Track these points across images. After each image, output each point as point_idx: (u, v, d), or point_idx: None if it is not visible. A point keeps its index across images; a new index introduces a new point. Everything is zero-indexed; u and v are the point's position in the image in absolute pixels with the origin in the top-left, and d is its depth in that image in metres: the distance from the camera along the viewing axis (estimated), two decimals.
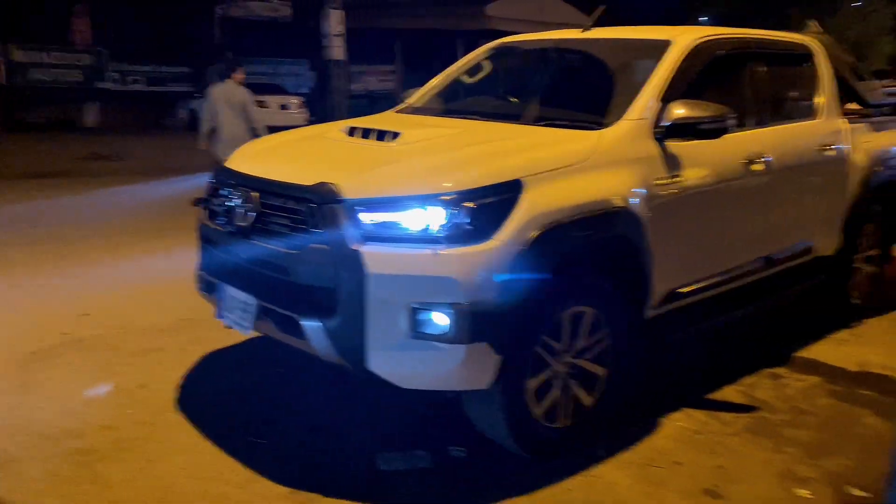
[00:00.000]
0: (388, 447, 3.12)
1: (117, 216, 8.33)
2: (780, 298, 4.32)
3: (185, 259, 6.09)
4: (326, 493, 2.77)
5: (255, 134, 7.87)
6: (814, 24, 5.44)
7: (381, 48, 25.95)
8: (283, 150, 3.50)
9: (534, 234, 2.70)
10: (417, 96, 4.39)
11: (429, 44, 24.53)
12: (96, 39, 22.52)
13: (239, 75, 8.21)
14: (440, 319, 2.61)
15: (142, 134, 19.63)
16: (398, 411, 3.47)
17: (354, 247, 2.64)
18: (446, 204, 2.64)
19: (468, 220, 2.64)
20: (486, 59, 4.45)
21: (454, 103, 4.20)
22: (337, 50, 19.71)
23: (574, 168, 2.95)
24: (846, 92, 4.70)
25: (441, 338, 2.62)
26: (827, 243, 4.55)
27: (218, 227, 3.19)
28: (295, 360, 3.94)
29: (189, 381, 3.78)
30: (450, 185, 2.68)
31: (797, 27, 5.05)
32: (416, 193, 2.67)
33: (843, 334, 4.64)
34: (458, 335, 2.60)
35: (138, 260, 6.25)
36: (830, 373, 4.07)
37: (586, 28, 4.15)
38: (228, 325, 3.08)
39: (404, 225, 2.66)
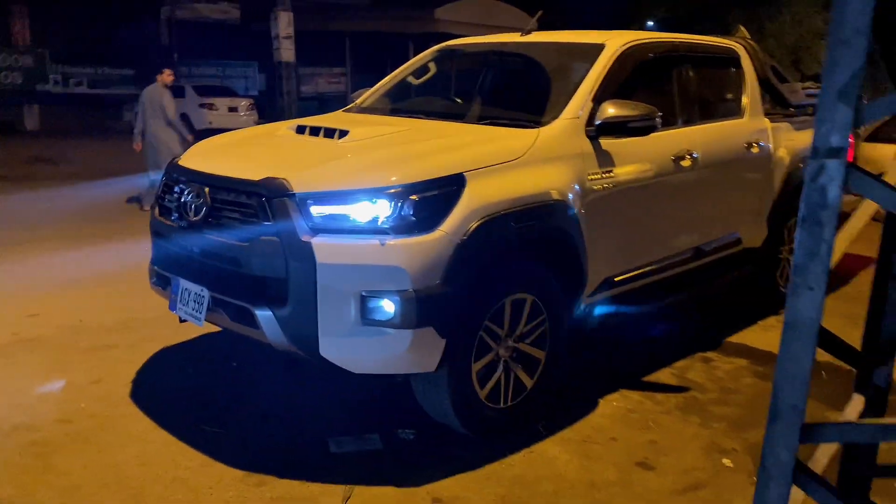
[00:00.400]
0: (339, 432, 3.25)
1: (62, 219, 8.23)
2: (710, 287, 4.59)
3: (131, 259, 6.15)
4: (280, 475, 2.89)
5: (179, 134, 8.37)
6: (742, 30, 5.77)
7: (331, 50, 25.94)
8: (233, 147, 3.60)
9: (475, 224, 2.88)
10: (365, 97, 4.53)
11: (379, 46, 24.63)
12: (38, 40, 21.96)
13: (165, 77, 8.48)
14: (388, 306, 2.76)
15: (85, 137, 19.19)
16: (349, 398, 3.61)
17: (305, 238, 2.77)
18: (392, 197, 2.79)
19: (413, 212, 2.80)
20: (432, 61, 4.62)
21: (401, 103, 4.35)
22: (286, 52, 19.67)
23: (513, 163, 3.14)
24: (770, 93, 5.01)
25: (389, 323, 2.77)
26: (754, 235, 4.84)
27: (170, 223, 3.28)
28: (247, 354, 4.07)
29: (142, 376, 3.85)
30: (396, 178, 2.83)
31: (732, 30, 5.36)
32: (363, 187, 2.82)
33: (770, 321, 4.95)
34: (405, 321, 2.76)
35: (84, 261, 6.24)
36: (757, 356, 4.35)
37: (526, 32, 4.35)
38: (182, 317, 3.17)
39: (353, 217, 2.81)
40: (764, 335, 4.68)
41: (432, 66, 4.62)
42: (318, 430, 3.27)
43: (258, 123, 20.16)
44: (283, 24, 19.29)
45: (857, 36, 1.24)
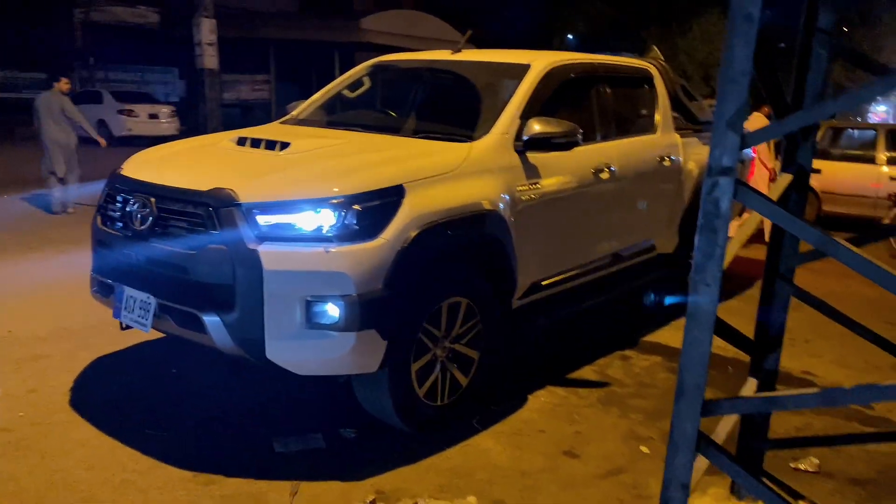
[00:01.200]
0: (283, 432, 3.38)
1: None
2: (628, 290, 4.93)
3: (59, 269, 6.10)
4: (228, 474, 3.00)
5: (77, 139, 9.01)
6: (655, 50, 6.20)
7: (254, 57, 25.62)
8: (177, 158, 3.69)
9: (414, 233, 3.08)
10: (301, 109, 4.67)
11: (304, 54, 24.54)
12: None
13: (62, 85, 9.09)
14: (332, 310, 2.93)
15: None
16: (291, 400, 3.74)
17: (251, 246, 2.91)
18: (336, 206, 2.97)
19: (356, 221, 2.98)
20: (366, 75, 4.81)
21: (336, 116, 4.52)
22: (209, 59, 19.34)
23: (448, 175, 3.36)
24: (680, 110, 5.42)
25: (333, 326, 2.94)
26: (667, 242, 5.23)
27: (114, 232, 3.34)
28: (187, 360, 4.14)
29: (80, 384, 3.87)
30: (339, 189, 3.01)
31: (646, 49, 5.74)
32: (308, 197, 2.98)
33: (683, 321, 5.29)
34: (349, 324, 2.93)
35: (9, 271, 6.10)
36: (670, 353, 4.71)
37: (456, 50, 4.60)
38: (128, 324, 3.24)
39: (298, 226, 2.96)
40: (677, 334, 5.04)
41: (366, 80, 4.80)
42: (262, 432, 3.39)
43: (180, 131, 19.79)
44: (206, 30, 18.96)
45: (742, 77, 1.51)
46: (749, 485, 1.69)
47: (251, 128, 4.16)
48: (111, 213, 3.39)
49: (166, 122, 19.38)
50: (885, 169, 9.12)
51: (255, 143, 3.59)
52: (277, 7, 26.90)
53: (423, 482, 3.03)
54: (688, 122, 5.45)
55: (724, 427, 1.97)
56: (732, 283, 6.02)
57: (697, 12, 29.93)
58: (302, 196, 2.98)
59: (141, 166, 3.50)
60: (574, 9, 30.72)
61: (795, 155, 2.06)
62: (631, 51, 5.69)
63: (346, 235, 2.96)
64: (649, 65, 5.23)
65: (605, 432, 3.59)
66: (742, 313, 4.20)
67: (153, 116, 19.12)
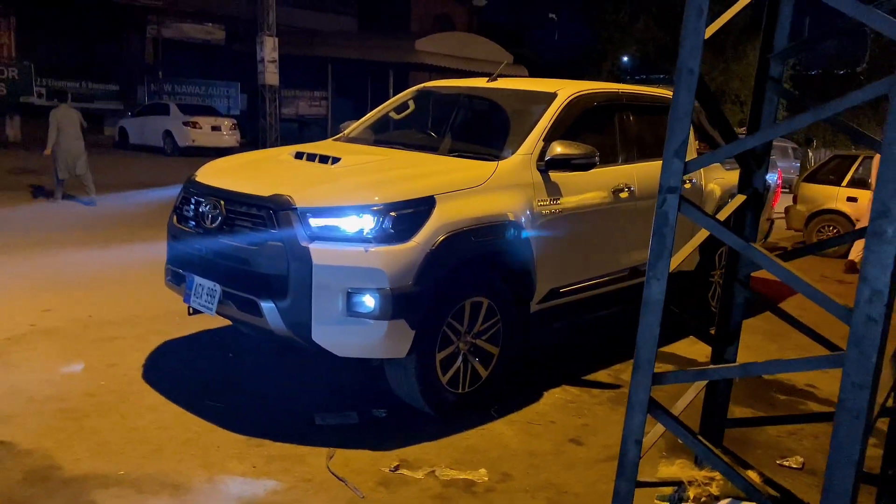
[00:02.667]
0: (323, 409, 3.88)
1: (58, 227, 8.75)
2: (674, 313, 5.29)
3: (129, 264, 6.75)
4: (274, 440, 3.50)
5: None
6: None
7: (313, 74, 26.64)
8: (242, 168, 4.25)
9: (441, 237, 3.55)
10: (352, 128, 5.21)
11: (361, 72, 25.43)
12: (24, 53, 22.35)
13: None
14: (369, 301, 3.42)
15: None
16: (331, 382, 4.24)
17: (304, 244, 3.42)
18: (375, 213, 3.46)
19: (391, 226, 3.47)
20: (411, 99, 5.33)
21: (382, 135, 5.04)
22: (271, 75, 20.33)
23: (475, 189, 3.83)
24: (703, 137, 5.79)
25: (369, 315, 3.42)
26: (687, 260, 5.57)
27: (187, 229, 3.91)
28: (242, 345, 4.69)
29: (150, 361, 4.44)
30: (378, 198, 3.51)
31: (705, 75, 6.13)
32: (353, 204, 3.48)
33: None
34: (382, 313, 3.41)
35: (86, 265, 6.79)
36: (683, 363, 5.06)
37: (492, 79, 5.08)
38: (196, 308, 3.79)
39: (343, 228, 3.47)
40: (691, 347, 5.39)
41: (411, 103, 5.32)
42: (304, 407, 3.89)
43: (240, 143, 20.76)
44: (269, 48, 19.98)
45: (685, 116, 1.95)
46: (685, 437, 2.10)
47: (308, 144, 4.71)
48: (185, 213, 3.96)
49: (227, 134, 20.36)
50: None
51: (311, 157, 4.13)
52: (338, 26, 27.95)
53: (442, 455, 3.47)
54: (712, 149, 5.80)
55: (683, 402, 2.38)
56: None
57: (751, 37, 29.87)
58: (347, 203, 3.49)
59: (212, 174, 4.07)
60: (626, 33, 30.97)
61: (751, 179, 2.47)
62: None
63: (383, 237, 3.45)
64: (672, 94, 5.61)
65: (610, 426, 3.97)
66: (760, 330, 4.54)
67: (215, 129, 20.12)
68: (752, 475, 2.38)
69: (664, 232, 1.99)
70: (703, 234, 2.32)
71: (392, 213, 3.48)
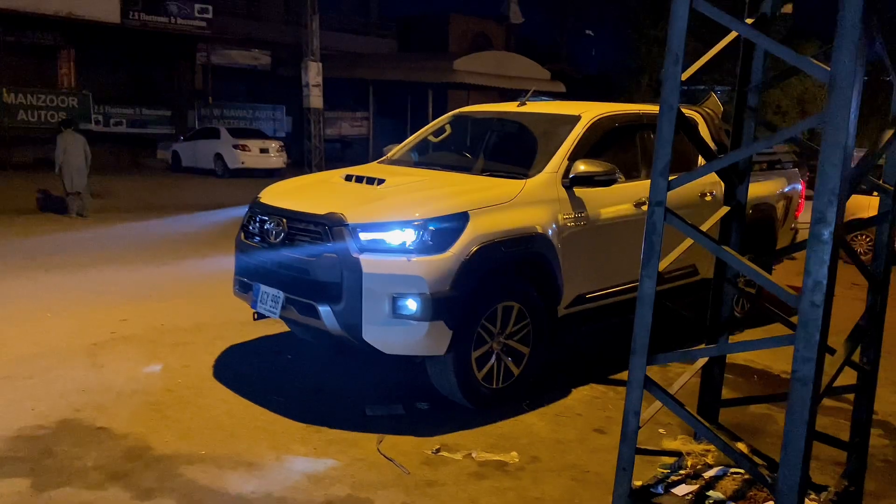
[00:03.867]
0: (372, 402, 4.36)
1: (121, 245, 9.48)
2: (671, 308, 5.68)
3: (192, 279, 7.36)
4: (331, 426, 4.00)
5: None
6: (713, 98, 6.96)
7: (354, 95, 27.51)
8: (300, 190, 4.80)
9: (476, 248, 4.02)
10: (395, 151, 5.74)
11: (400, 93, 26.18)
12: (82, 82, 23.59)
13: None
14: (412, 304, 3.90)
15: (123, 173, 20.63)
16: (380, 380, 4.73)
17: (355, 255, 3.93)
18: (416, 227, 3.95)
19: (430, 238, 3.95)
20: (447, 123, 5.83)
21: (422, 157, 5.54)
22: (315, 99, 21.17)
23: (506, 205, 4.29)
24: (723, 152, 6.15)
25: (412, 317, 3.90)
26: (710, 268, 5.92)
27: (253, 244, 4.46)
28: (298, 349, 5.21)
29: (219, 362, 4.99)
30: (419, 214, 4.00)
31: (705, 98, 6.51)
32: (397, 220, 3.98)
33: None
34: (423, 315, 3.89)
35: (154, 279, 7.44)
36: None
37: (521, 103, 5.55)
38: (261, 313, 4.32)
39: (388, 241, 3.96)
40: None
41: (448, 127, 5.82)
42: (356, 401, 4.38)
43: (287, 164, 21.56)
44: (313, 73, 20.82)
45: (667, 143, 2.39)
46: (675, 409, 2.52)
47: (355, 167, 5.24)
48: (252, 230, 4.52)
49: (275, 155, 21.19)
50: None
51: (359, 179, 4.66)
52: (379, 49, 28.79)
53: (477, 441, 3.92)
54: None
55: (679, 382, 2.80)
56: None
57: (794, 48, 29.69)
58: (392, 219, 3.99)
59: (275, 195, 4.62)
60: (662, 45, 31.09)
61: (734, 193, 2.88)
62: (725, 85, 6.42)
63: (423, 248, 3.94)
64: (695, 113, 6.01)
65: None
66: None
67: (264, 151, 20.97)
68: (741, 446, 2.78)
69: (653, 239, 2.42)
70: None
71: (431, 228, 3.96)
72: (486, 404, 4.30)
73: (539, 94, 6.12)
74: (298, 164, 21.88)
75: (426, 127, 5.91)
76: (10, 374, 4.62)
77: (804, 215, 8.20)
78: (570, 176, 4.60)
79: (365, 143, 28.46)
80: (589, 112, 5.10)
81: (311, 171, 20.12)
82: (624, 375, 5.17)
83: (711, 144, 5.96)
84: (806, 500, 2.47)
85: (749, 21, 2.76)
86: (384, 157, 5.69)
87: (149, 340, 5.43)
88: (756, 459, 2.73)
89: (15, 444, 3.65)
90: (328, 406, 4.32)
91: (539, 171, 4.64)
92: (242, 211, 4.93)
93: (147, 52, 24.45)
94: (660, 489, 2.66)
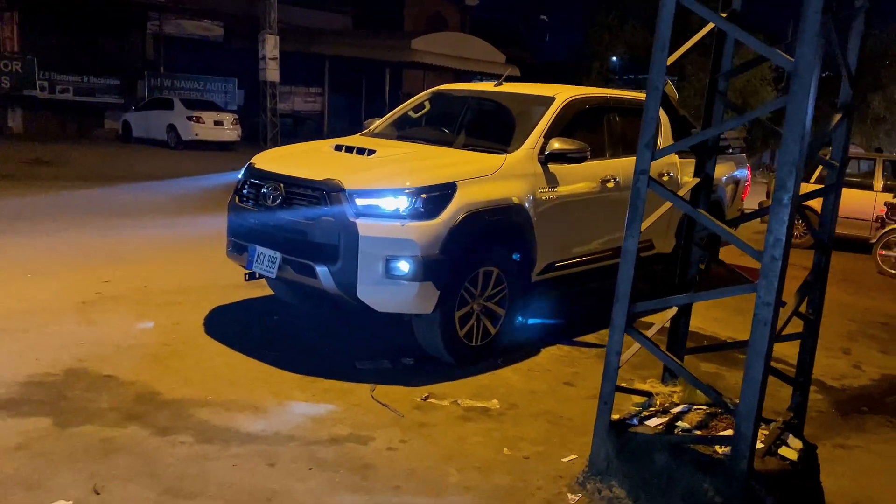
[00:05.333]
0: (361, 358, 4.68)
1: (85, 212, 9.47)
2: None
3: (168, 244, 7.49)
4: (326, 378, 4.31)
5: None
6: (669, 85, 7.43)
7: (309, 71, 27.34)
8: (294, 157, 5.06)
9: (462, 216, 4.36)
10: (376, 125, 6.02)
11: (357, 70, 26.19)
12: (27, 47, 22.86)
13: None
14: (404, 266, 4.23)
15: (69, 141, 20.23)
16: (367, 339, 5.05)
17: (351, 219, 4.23)
18: (409, 194, 4.27)
19: (422, 205, 4.28)
20: (427, 100, 6.14)
21: (404, 131, 5.84)
22: (272, 72, 21.12)
23: (489, 177, 4.65)
24: (680, 136, 6.62)
25: (404, 277, 4.23)
26: (665, 244, 6.43)
27: (249, 207, 4.70)
28: (285, 310, 5.48)
29: (209, 321, 5.22)
30: (411, 183, 4.32)
31: (691, 76, 6.97)
32: (391, 187, 4.29)
33: (674, 309, 6.51)
34: (414, 276, 4.22)
35: (129, 244, 7.54)
36: (660, 330, 5.89)
37: (498, 84, 5.90)
38: (259, 272, 4.58)
39: (383, 207, 4.27)
40: (666, 317, 6.23)
41: (427, 104, 6.13)
42: (346, 357, 4.69)
43: (241, 137, 21.41)
44: (270, 46, 20.75)
45: (653, 120, 2.77)
46: (651, 349, 2.94)
47: (343, 138, 5.51)
48: (247, 194, 4.76)
49: (229, 129, 21.03)
50: (880, 195, 10.16)
51: (349, 149, 4.94)
52: (334, 25, 28.61)
53: (461, 391, 4.29)
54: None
55: (652, 331, 3.22)
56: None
57: (736, 42, 30.73)
58: (387, 186, 4.30)
59: (270, 161, 4.86)
60: (615, 35, 31.83)
61: (703, 166, 3.30)
62: (672, 75, 6.90)
63: (415, 215, 4.26)
64: None
65: (596, 374, 4.72)
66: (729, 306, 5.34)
67: (218, 123, 20.78)
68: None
69: (637, 203, 2.82)
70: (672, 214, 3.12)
71: (422, 196, 4.29)
72: (466, 360, 4.67)
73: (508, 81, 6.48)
74: (252, 138, 21.77)
75: (406, 103, 6.20)
76: (4, 327, 4.77)
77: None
78: (546, 153, 4.97)
79: (318, 119, 28.37)
80: (562, 94, 5.48)
81: (266, 146, 20.11)
82: (587, 338, 5.65)
83: (667, 128, 6.44)
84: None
85: (723, 15, 3.16)
86: (367, 130, 5.97)
87: (135, 300, 5.61)
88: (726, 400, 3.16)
89: (27, 390, 3.85)
90: (320, 361, 4.62)
91: (518, 148, 5.00)
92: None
93: (97, 20, 23.79)
94: (634, 421, 3.07)
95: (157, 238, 8.04)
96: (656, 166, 6.14)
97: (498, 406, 4.12)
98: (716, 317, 6.38)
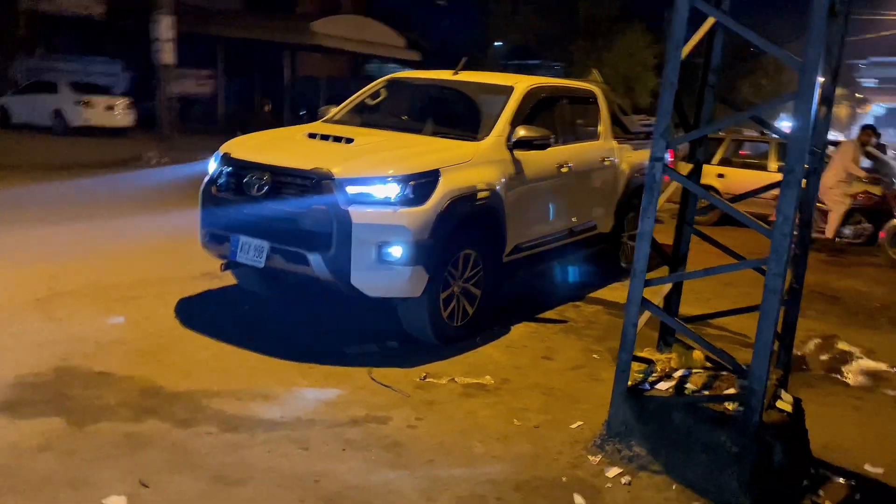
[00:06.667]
0: (346, 343, 4.77)
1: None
2: (578, 258, 6.52)
3: (101, 239, 7.21)
4: (321, 363, 4.38)
5: None
6: (595, 73, 7.85)
7: (201, 53, 26.24)
8: (273, 145, 5.04)
9: (447, 202, 4.54)
10: (334, 112, 6.04)
11: (253, 52, 25.46)
12: None
13: None
14: (396, 251, 4.35)
15: None
16: (344, 324, 5.13)
17: (343, 207, 4.30)
18: (399, 182, 4.40)
19: (411, 192, 4.42)
20: (383, 87, 6.23)
21: (367, 118, 5.90)
22: (167, 54, 20.12)
23: (467, 164, 4.84)
24: (616, 123, 7.06)
25: (397, 262, 4.36)
26: (605, 224, 6.85)
27: (230, 197, 4.66)
28: (251, 300, 5.45)
29: (180, 314, 5.11)
30: (401, 170, 4.44)
31: (579, 63, 7.36)
32: (381, 175, 4.40)
33: (616, 285, 6.95)
34: (407, 261, 4.36)
35: (60, 239, 7.17)
36: (608, 304, 6.31)
37: (456, 72, 6.07)
38: (245, 262, 4.56)
39: (374, 194, 4.37)
40: (611, 292, 6.67)
41: (383, 91, 6.22)
42: (329, 343, 4.76)
43: (135, 123, 20.39)
44: (165, 27, 19.77)
45: (667, 113, 3.06)
46: (665, 318, 3.25)
47: (313, 125, 5.52)
48: (226, 183, 4.71)
49: (122, 114, 19.99)
50: (775, 175, 11.12)
51: (324, 137, 4.98)
52: (225, 5, 27.60)
53: (453, 369, 4.48)
54: (623, 133, 7.09)
55: (658, 303, 3.55)
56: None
57: (621, 29, 32.28)
58: (377, 174, 4.41)
59: (248, 150, 4.81)
60: (507, 20, 32.55)
61: (696, 153, 3.65)
62: (560, 61, 7.27)
63: (405, 201, 4.39)
64: (595, 87, 6.85)
65: (568, 347, 5.13)
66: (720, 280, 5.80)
67: (109, 108, 19.71)
68: (697, 353, 3.59)
69: (652, 186, 3.09)
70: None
71: (411, 182, 4.43)
72: (450, 340, 4.86)
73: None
74: (145, 123, 20.76)
75: (362, 91, 6.25)
76: None
77: None
78: (513, 140, 5.21)
79: (210, 103, 27.33)
80: (521, 83, 5.73)
81: (162, 132, 19.30)
82: (548, 314, 5.98)
83: (606, 115, 6.85)
84: None
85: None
86: (327, 118, 5.98)
87: (92, 296, 5.41)
88: (717, 359, 3.53)
89: (21, 391, 3.71)
90: (306, 347, 4.67)
91: (487, 135, 5.21)
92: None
93: None
94: (646, 386, 3.38)
95: (90, 232, 7.68)
96: (600, 152, 6.57)
97: (492, 381, 4.35)
98: (657, 291, 6.88)
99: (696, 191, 3.26)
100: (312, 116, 6.41)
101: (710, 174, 11.58)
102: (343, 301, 5.19)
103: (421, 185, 4.46)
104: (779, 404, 3.21)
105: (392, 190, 4.39)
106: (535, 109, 5.75)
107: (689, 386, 3.34)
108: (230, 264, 4.85)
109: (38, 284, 5.52)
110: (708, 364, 3.63)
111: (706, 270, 3.12)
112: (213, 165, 4.91)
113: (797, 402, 3.37)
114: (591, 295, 6.57)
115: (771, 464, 2.97)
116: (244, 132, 5.92)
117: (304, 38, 23.47)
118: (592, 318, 5.91)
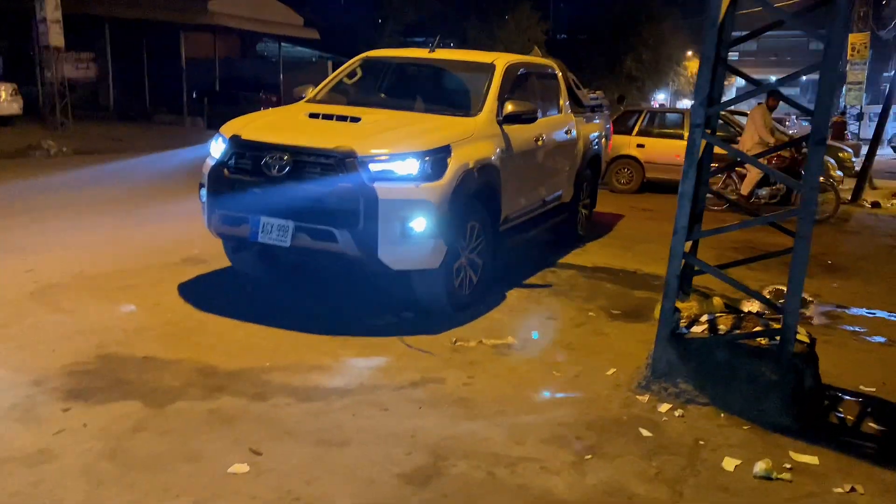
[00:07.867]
0: (369, 315, 4.93)
1: None
2: (548, 226, 6.92)
3: (62, 229, 6.94)
4: (353, 335, 4.54)
5: None
6: (536, 50, 8.23)
7: (81, 34, 24.69)
8: (283, 125, 5.07)
9: (461, 175, 4.77)
10: (315, 92, 6.09)
11: (145, 33, 24.24)
12: None
13: None
14: (420, 224, 4.56)
15: None
16: (357, 302, 5.28)
17: (369, 184, 4.45)
18: (418, 157, 4.59)
19: (430, 167, 4.62)
20: (359, 66, 6.33)
21: (353, 97, 6.00)
22: (55, 36, 18.93)
23: (469, 139, 5.08)
24: (572, 97, 7.48)
25: (420, 236, 4.57)
26: (567, 194, 7.28)
27: (247, 178, 4.68)
28: (251, 282, 5.49)
29: (188, 298, 5.09)
30: (419, 147, 4.63)
31: (473, 40, 7.72)
32: (402, 152, 4.57)
33: (577, 251, 7.44)
34: (430, 233, 4.58)
35: (28, 232, 6.83)
36: (580, 268, 6.76)
37: (431, 49, 6.27)
38: (268, 243, 4.61)
39: (396, 171, 4.55)
40: (577, 257, 7.14)
41: (359, 70, 6.33)
42: (347, 316, 4.91)
43: (21, 111, 19.04)
44: (51, 7, 18.57)
45: (706, 84, 3.43)
46: (705, 267, 3.66)
47: (313, 105, 5.60)
48: (239, 165, 4.73)
49: (8, 101, 18.59)
50: None
51: (328, 116, 5.08)
52: None
53: (476, 333, 4.75)
54: (578, 106, 7.53)
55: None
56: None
57: (512, 7, 33.08)
58: (399, 151, 4.58)
59: (260, 131, 4.82)
60: (406, 1, 32.51)
61: (709, 122, 4.07)
62: (452, 38, 7.53)
63: (425, 177, 4.60)
64: (554, 63, 7.23)
65: (564, 308, 5.51)
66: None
67: None
68: (717, 299, 4.04)
69: (693, 150, 3.48)
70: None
71: (428, 158, 4.63)
72: (461, 308, 5.13)
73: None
74: (32, 110, 19.44)
75: (338, 70, 6.33)
76: None
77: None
78: (503, 115, 5.50)
79: (92, 88, 25.80)
80: (500, 59, 6.02)
81: (53, 119, 18.22)
82: (533, 280, 6.34)
83: (565, 89, 7.25)
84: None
85: None
86: (308, 97, 6.02)
87: (86, 286, 5.26)
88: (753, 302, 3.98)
89: (79, 379, 3.67)
90: (330, 322, 4.79)
91: (479, 111, 5.47)
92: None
93: None
94: (684, 330, 3.79)
95: (34, 226, 7.33)
96: (560, 124, 6.97)
97: (515, 341, 4.66)
98: (614, 254, 7.43)
99: (725, 148, 3.68)
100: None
101: (630, 144, 12.34)
102: (336, 278, 5.37)
103: (437, 160, 4.67)
104: (800, 337, 3.70)
105: (412, 166, 4.57)
106: (514, 85, 6.05)
107: (721, 327, 3.79)
108: (240, 246, 4.88)
109: (19, 278, 5.31)
110: (725, 309, 4.09)
111: (745, 222, 3.55)
112: (218, 148, 4.89)
113: (810, 335, 3.88)
114: (561, 261, 7.00)
115: (803, 387, 3.45)
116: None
117: (200, 18, 22.58)
118: (572, 280, 6.32)
